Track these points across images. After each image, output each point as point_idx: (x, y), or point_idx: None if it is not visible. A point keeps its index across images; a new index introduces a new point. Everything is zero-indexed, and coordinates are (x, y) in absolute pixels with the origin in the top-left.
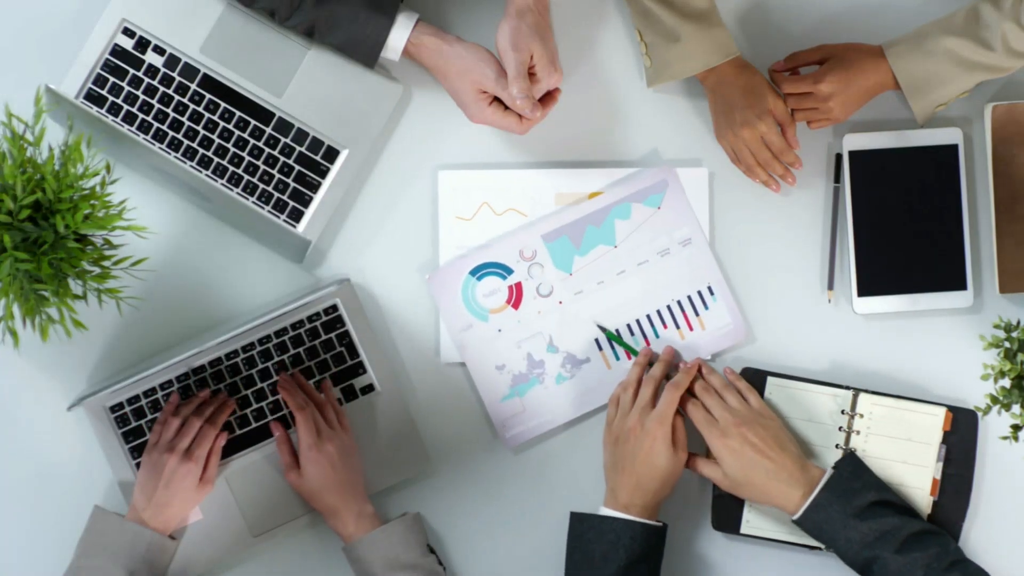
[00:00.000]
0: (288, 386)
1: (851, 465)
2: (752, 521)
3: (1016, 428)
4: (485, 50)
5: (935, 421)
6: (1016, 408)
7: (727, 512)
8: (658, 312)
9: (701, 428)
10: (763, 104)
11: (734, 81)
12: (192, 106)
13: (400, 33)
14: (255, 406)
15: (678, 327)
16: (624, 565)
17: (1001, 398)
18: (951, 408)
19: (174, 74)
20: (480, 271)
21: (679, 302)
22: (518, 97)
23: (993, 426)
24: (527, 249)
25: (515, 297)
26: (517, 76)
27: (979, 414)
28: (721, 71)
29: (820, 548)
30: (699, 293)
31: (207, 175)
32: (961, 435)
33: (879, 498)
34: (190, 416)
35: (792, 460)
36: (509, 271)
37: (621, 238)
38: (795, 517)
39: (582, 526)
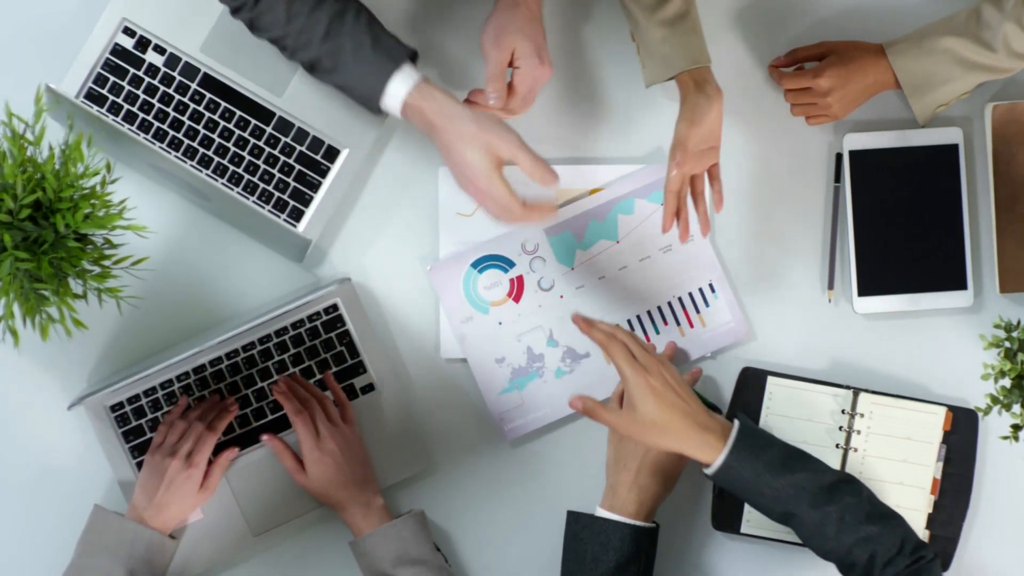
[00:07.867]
0: (284, 391)
1: (747, 420)
2: (752, 521)
3: (1016, 428)
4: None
5: (935, 420)
6: (1016, 408)
7: (727, 512)
8: (659, 308)
9: (623, 365)
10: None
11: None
12: (192, 105)
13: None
14: (255, 405)
15: (679, 324)
16: (613, 567)
17: (1001, 398)
18: (951, 408)
19: (174, 73)
20: (482, 264)
21: (680, 299)
22: (491, 97)
23: (993, 426)
24: (529, 242)
25: (516, 290)
26: (493, 76)
27: (979, 414)
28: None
29: None
30: (700, 290)
31: (207, 174)
32: (961, 435)
33: (786, 451)
34: (195, 421)
35: (700, 406)
36: (511, 264)
37: (623, 233)
38: (711, 471)
39: (577, 525)
